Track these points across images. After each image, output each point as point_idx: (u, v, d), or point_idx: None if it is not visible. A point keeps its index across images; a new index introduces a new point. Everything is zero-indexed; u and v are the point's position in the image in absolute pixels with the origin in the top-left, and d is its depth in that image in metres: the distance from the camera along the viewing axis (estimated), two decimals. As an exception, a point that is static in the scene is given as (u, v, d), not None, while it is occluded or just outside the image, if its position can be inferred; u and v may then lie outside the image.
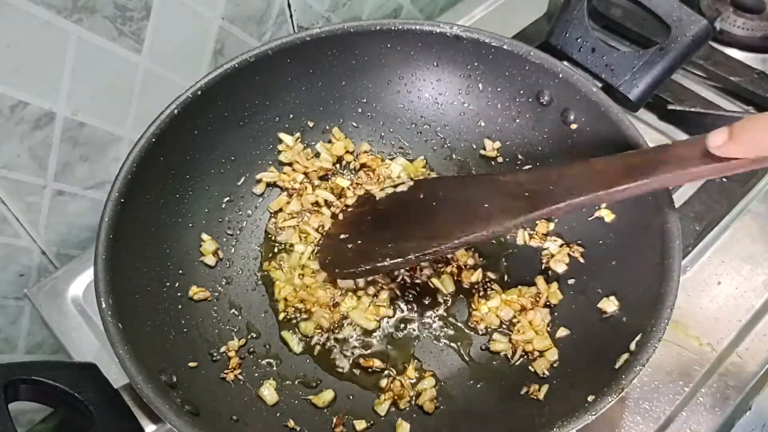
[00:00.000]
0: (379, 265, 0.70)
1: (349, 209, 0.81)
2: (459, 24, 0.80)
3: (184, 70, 0.88)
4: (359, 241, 0.75)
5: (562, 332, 0.72)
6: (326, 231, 0.80)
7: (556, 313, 0.74)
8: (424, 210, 0.73)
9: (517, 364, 0.71)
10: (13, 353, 0.98)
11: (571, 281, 0.75)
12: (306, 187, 0.83)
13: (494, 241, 0.80)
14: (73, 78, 0.77)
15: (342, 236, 0.77)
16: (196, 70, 0.89)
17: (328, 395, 0.70)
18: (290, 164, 0.84)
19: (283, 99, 0.82)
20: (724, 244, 0.83)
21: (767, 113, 0.54)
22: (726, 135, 0.54)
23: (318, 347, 0.74)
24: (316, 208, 0.82)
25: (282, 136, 0.84)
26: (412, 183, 0.79)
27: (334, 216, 0.82)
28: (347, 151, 0.86)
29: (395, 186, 0.79)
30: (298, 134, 0.85)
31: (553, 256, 0.77)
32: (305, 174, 0.84)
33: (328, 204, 0.83)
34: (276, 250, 0.81)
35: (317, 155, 0.85)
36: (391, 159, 0.86)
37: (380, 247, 0.72)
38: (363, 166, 0.85)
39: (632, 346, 0.60)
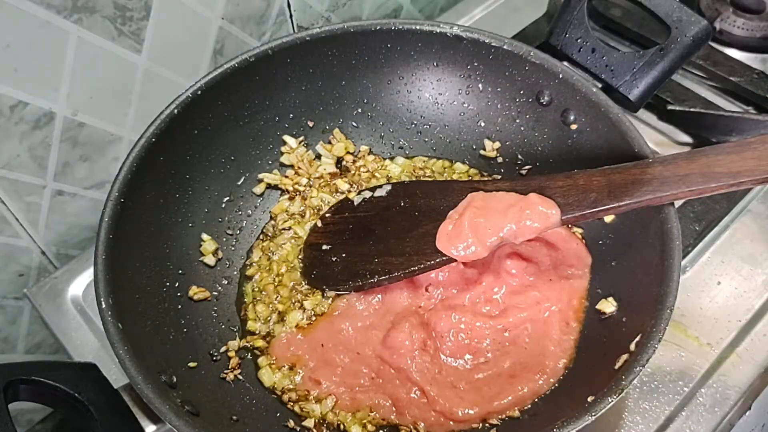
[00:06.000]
0: (366, 282, 0.72)
1: (327, 216, 0.81)
2: (459, 24, 0.80)
3: (184, 70, 0.88)
4: (343, 254, 0.75)
5: (562, 332, 0.71)
6: (307, 241, 0.80)
7: (556, 313, 0.74)
8: (407, 219, 0.73)
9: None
10: (13, 353, 0.97)
11: (571, 281, 0.75)
12: (310, 190, 0.83)
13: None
14: (73, 78, 0.77)
15: (324, 247, 0.77)
16: (196, 70, 0.89)
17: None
18: (292, 167, 0.84)
19: (283, 99, 0.82)
20: (724, 244, 0.83)
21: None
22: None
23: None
24: (318, 210, 0.82)
25: (285, 138, 0.84)
26: (390, 187, 0.78)
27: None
28: (347, 152, 0.86)
29: (372, 190, 0.79)
30: (301, 138, 0.85)
31: (553, 256, 0.77)
32: (309, 178, 0.84)
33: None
34: (263, 248, 0.81)
35: (318, 157, 0.85)
36: (391, 159, 0.86)
37: (366, 262, 0.73)
38: (360, 168, 0.85)
39: (632, 347, 0.60)
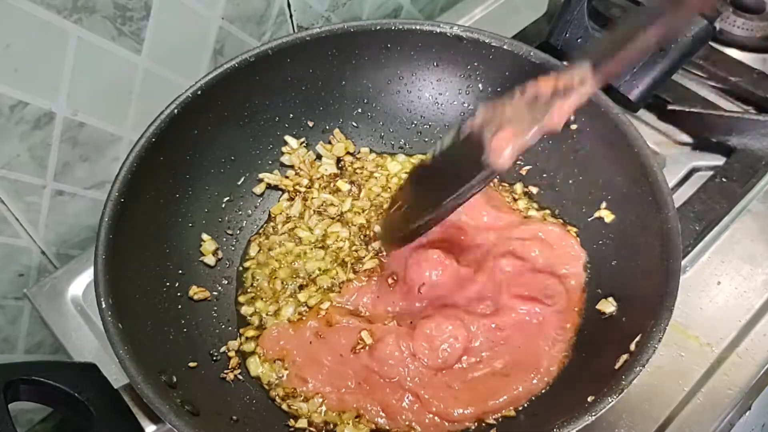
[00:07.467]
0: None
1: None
2: (459, 24, 0.80)
3: (184, 70, 0.88)
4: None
5: (562, 332, 0.71)
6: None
7: (556, 313, 0.74)
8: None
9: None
10: (13, 353, 0.97)
11: (571, 281, 0.75)
12: (311, 191, 0.83)
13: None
14: (73, 78, 0.77)
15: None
16: (196, 70, 0.89)
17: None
18: (292, 167, 0.84)
19: (283, 99, 0.82)
20: (724, 244, 0.83)
21: None
22: None
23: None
24: (320, 210, 0.82)
25: (287, 138, 0.84)
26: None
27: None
28: (347, 152, 0.86)
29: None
30: (302, 138, 0.85)
31: (553, 256, 0.77)
32: (309, 179, 0.84)
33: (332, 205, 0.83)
34: (260, 244, 0.81)
35: (319, 157, 0.85)
36: (392, 156, 0.86)
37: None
38: (358, 168, 0.85)
39: (632, 347, 0.60)
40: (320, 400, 0.68)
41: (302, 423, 0.67)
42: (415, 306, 0.73)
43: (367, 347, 0.70)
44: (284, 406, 0.69)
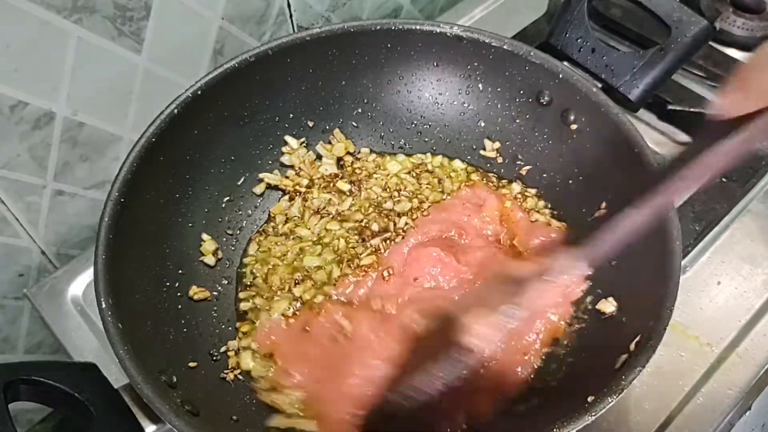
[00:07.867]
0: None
1: None
2: (459, 24, 0.80)
3: (184, 70, 0.88)
4: None
5: (562, 332, 0.71)
6: None
7: (556, 314, 0.74)
8: None
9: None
10: (13, 353, 0.97)
11: (571, 281, 0.75)
12: (312, 192, 0.83)
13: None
14: (73, 78, 0.77)
15: None
16: (196, 70, 0.89)
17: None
18: (292, 167, 0.84)
19: (283, 99, 0.82)
20: (724, 244, 0.83)
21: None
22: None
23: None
24: (320, 210, 0.82)
25: (287, 138, 0.84)
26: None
27: None
28: (347, 152, 0.86)
29: None
30: (303, 138, 0.85)
31: (553, 256, 0.77)
32: (309, 179, 0.84)
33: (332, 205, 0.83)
34: (260, 243, 0.80)
35: (319, 157, 0.85)
36: (392, 156, 0.86)
37: None
38: (357, 168, 0.85)
39: (632, 347, 0.60)
40: (299, 393, 0.68)
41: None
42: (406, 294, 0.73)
43: (348, 335, 0.70)
44: (268, 401, 0.68)
